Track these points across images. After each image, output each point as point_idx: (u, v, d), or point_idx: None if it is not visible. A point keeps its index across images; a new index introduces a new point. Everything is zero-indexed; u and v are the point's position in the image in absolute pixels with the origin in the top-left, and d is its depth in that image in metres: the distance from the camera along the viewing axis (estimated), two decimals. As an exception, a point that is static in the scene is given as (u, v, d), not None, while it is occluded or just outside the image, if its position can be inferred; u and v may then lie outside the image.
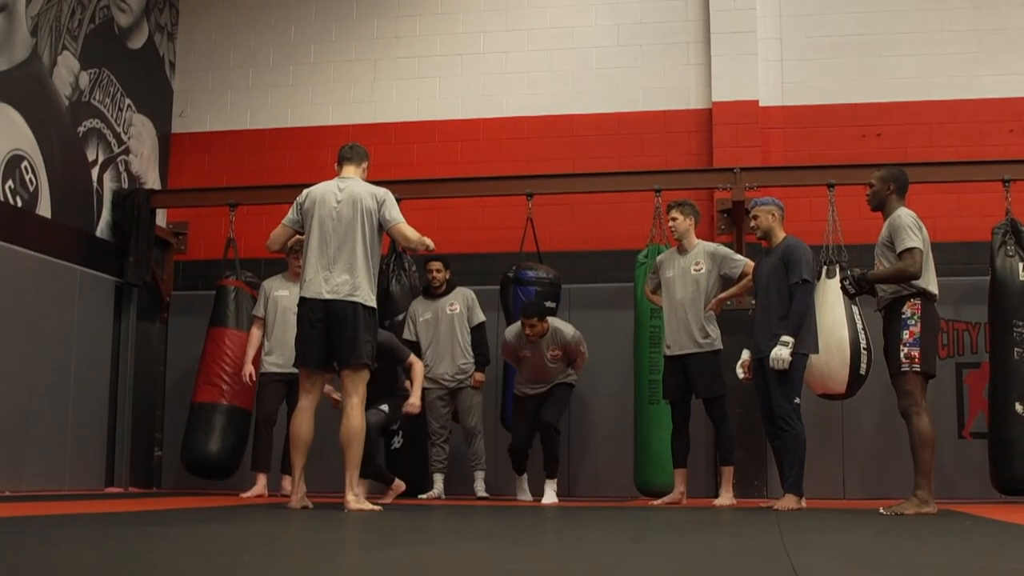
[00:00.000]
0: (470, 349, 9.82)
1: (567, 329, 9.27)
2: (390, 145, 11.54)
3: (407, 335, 9.72)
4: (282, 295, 9.68)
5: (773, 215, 8.20)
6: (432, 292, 9.84)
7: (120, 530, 4.68)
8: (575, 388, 9.61)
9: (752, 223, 8.27)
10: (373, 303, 7.15)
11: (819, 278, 8.60)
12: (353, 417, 6.99)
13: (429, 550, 3.85)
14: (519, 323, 9.19)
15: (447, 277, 9.83)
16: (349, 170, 7.45)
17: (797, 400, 7.93)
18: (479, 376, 9.83)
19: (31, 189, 9.81)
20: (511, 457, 9.44)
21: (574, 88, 11.47)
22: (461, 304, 9.79)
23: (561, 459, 9.75)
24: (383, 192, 7.37)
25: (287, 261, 9.71)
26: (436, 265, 9.88)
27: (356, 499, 6.96)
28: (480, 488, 9.68)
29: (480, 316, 9.84)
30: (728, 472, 8.86)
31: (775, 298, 8.02)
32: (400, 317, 9.82)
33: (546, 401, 9.28)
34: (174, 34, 12.30)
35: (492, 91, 11.63)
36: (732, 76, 11.04)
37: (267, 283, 9.93)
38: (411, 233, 7.25)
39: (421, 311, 9.84)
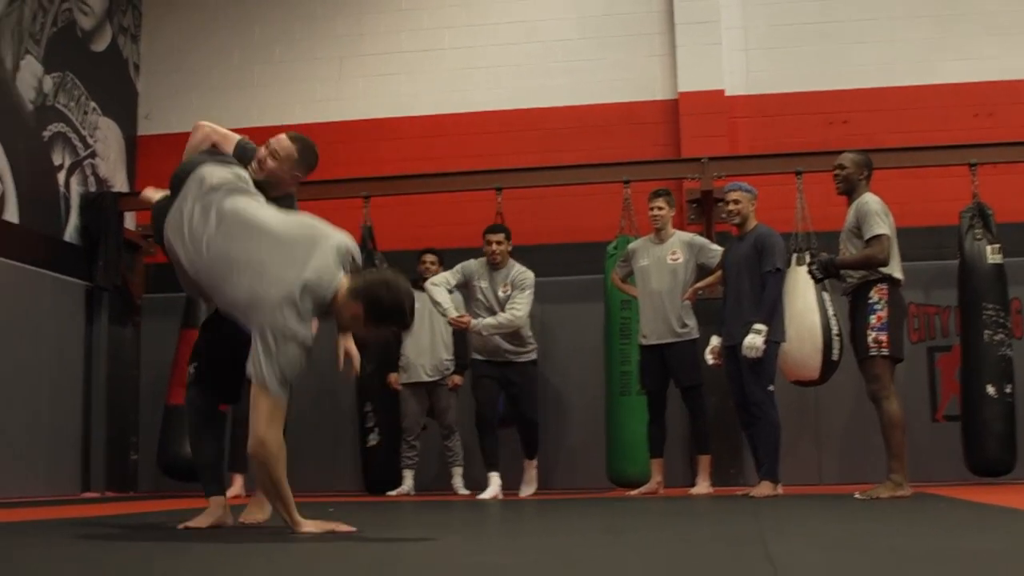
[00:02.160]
0: (451, 346, 9.79)
1: (526, 272, 9.09)
2: (358, 142, 11.52)
3: None
4: None
5: (752, 202, 8.25)
6: (422, 285, 9.72)
7: (97, 532, 4.67)
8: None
9: (731, 207, 8.28)
10: None
11: (788, 265, 8.63)
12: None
13: (404, 544, 3.85)
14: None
15: (439, 270, 9.71)
16: None
17: (771, 387, 7.98)
18: (457, 379, 9.80)
19: (-2, 195, 9.77)
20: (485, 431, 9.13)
21: (540, 82, 11.47)
22: None
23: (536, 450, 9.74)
24: None
25: None
26: (431, 258, 9.84)
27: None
28: (459, 484, 9.66)
29: None
30: (705, 461, 8.89)
31: (747, 285, 8.07)
32: None
33: (520, 393, 9.12)
34: (137, 36, 12.25)
35: (458, 86, 11.62)
36: (697, 66, 11.05)
37: None
38: None
39: None
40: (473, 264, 9.08)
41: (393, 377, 9.88)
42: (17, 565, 3.22)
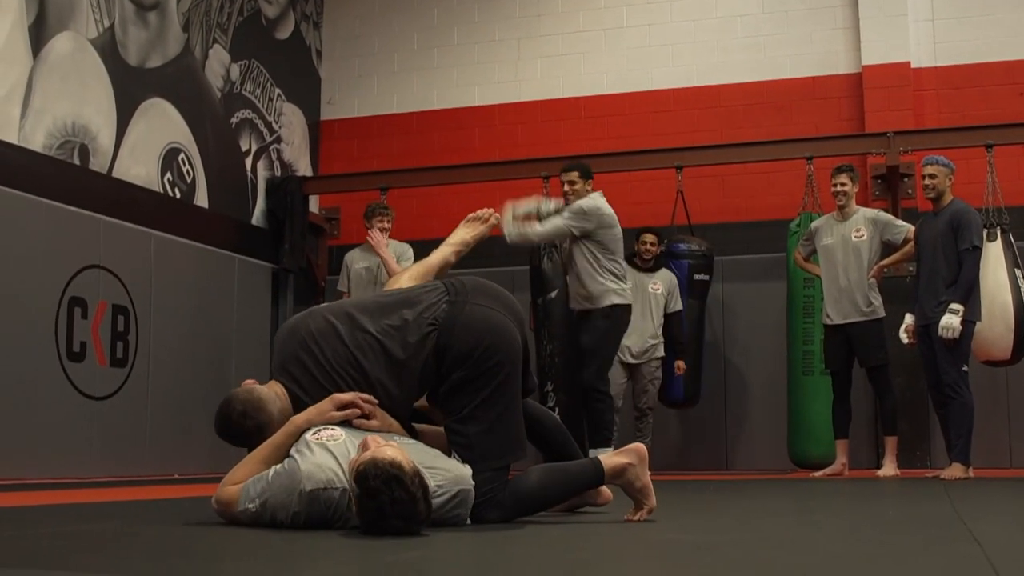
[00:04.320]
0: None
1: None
2: (536, 123, 11.56)
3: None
4: (362, 267, 9.54)
5: (949, 177, 8.04)
6: (638, 263, 9.66)
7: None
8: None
9: (927, 181, 8.08)
10: None
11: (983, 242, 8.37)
12: None
13: (596, 523, 3.86)
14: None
15: (658, 251, 9.70)
16: None
17: (965, 368, 7.78)
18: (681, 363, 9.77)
19: (188, 181, 10.06)
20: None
21: (720, 58, 11.32)
22: None
23: (713, 431, 9.67)
24: None
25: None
26: (651, 238, 9.75)
27: None
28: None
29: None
30: (892, 442, 8.72)
31: (943, 263, 7.87)
32: (552, 294, 9.64)
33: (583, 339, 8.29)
34: (319, 23, 12.47)
35: (636, 65, 11.53)
36: (881, 38, 10.78)
37: (348, 255, 9.79)
38: None
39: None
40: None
41: None
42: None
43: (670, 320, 9.67)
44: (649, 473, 3.83)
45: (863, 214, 8.86)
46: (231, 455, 3.89)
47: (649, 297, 9.57)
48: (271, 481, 3.57)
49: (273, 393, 3.83)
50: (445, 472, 3.58)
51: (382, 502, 3.19)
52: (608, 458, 3.87)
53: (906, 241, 8.61)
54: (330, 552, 2.97)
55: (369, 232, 8.94)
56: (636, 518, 3.80)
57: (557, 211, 8.09)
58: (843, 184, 8.83)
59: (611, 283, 8.00)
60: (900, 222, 8.86)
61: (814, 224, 9.16)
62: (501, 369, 3.83)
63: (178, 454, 9.52)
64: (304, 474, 3.47)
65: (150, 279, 9.32)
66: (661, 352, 9.64)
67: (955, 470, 7.76)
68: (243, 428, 3.80)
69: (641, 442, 9.07)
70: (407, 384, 3.89)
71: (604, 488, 4.11)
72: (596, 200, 8.20)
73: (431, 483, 3.40)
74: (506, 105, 11.66)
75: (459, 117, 11.85)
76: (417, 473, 3.29)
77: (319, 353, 3.85)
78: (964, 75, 10.69)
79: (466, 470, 3.69)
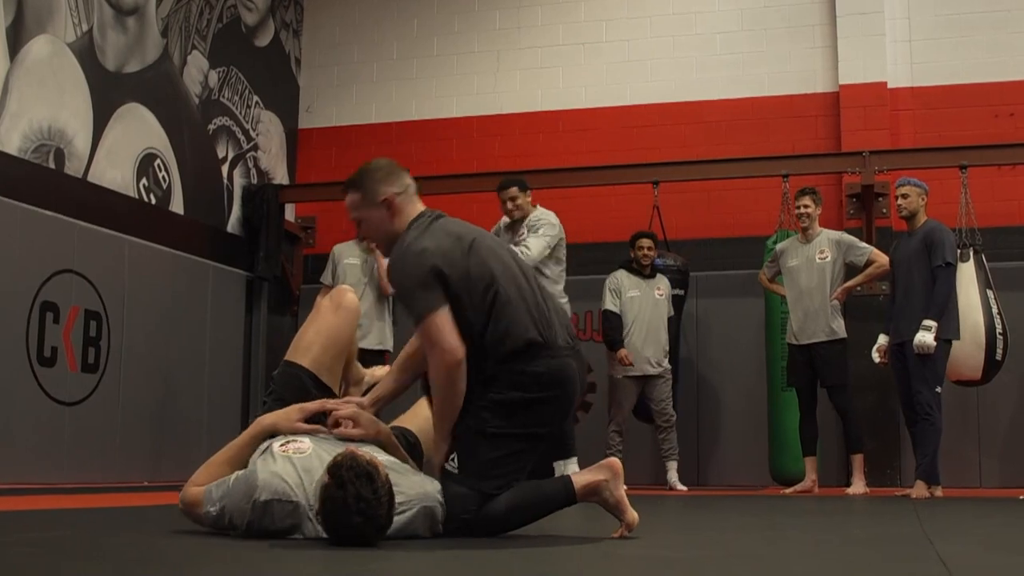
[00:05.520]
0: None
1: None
2: (514, 136, 11.57)
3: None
4: (352, 263, 9.14)
5: (922, 197, 8.08)
6: (636, 267, 9.58)
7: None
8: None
9: (899, 202, 8.13)
10: None
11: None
12: None
13: (572, 540, 3.85)
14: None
15: (655, 256, 9.55)
16: None
17: (939, 388, 7.80)
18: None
19: (164, 186, 10.03)
20: None
21: (698, 75, 11.34)
22: None
23: (690, 447, 9.67)
24: None
25: None
26: (647, 242, 9.52)
27: None
28: (674, 479, 9.44)
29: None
30: (858, 460, 8.75)
31: (917, 282, 7.92)
32: None
33: None
34: (299, 31, 12.46)
35: (616, 80, 11.55)
36: (859, 58, 10.83)
37: (338, 248, 9.36)
38: None
39: None
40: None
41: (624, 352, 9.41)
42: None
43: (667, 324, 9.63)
44: (624, 487, 3.78)
45: (827, 236, 8.92)
46: (202, 462, 3.88)
47: (657, 304, 9.45)
48: (231, 486, 3.58)
49: None
50: (408, 491, 3.55)
51: (348, 493, 3.19)
52: (580, 476, 3.80)
53: (869, 263, 8.71)
54: (289, 562, 2.95)
55: None
56: (617, 535, 3.74)
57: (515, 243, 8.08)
58: (806, 206, 8.89)
59: (564, 296, 8.20)
60: (863, 244, 8.94)
61: (779, 246, 9.21)
62: (550, 424, 3.88)
63: (149, 461, 9.48)
64: (261, 483, 3.47)
65: (123, 285, 9.27)
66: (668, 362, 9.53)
67: (919, 488, 7.79)
68: None
69: (668, 461, 8.79)
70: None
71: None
72: (548, 212, 8.34)
73: (396, 499, 3.40)
74: (484, 117, 11.66)
75: (437, 128, 11.84)
76: (388, 480, 3.30)
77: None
78: (940, 96, 10.74)
79: (433, 486, 3.67)
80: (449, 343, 3.71)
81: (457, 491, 3.66)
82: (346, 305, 4.26)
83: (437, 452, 3.83)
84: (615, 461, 3.78)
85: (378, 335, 8.98)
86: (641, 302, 9.41)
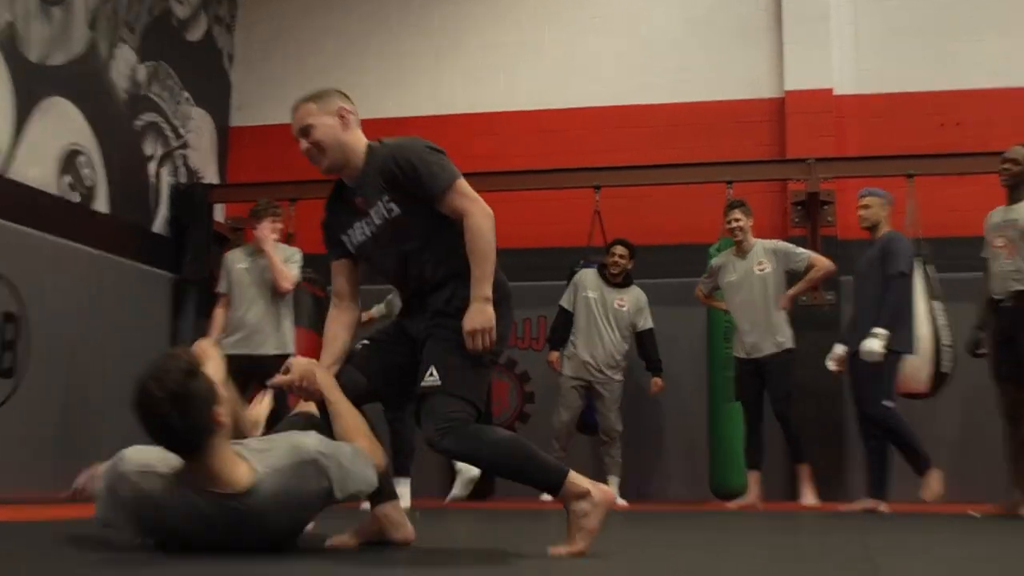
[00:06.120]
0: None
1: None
2: (453, 137, 11.28)
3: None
4: (241, 267, 8.75)
5: (884, 207, 8.01)
6: (605, 274, 9.49)
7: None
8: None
9: (861, 212, 8.08)
10: None
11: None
12: None
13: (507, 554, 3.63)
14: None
15: (630, 264, 9.49)
16: None
17: (888, 403, 7.67)
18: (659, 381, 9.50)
19: (88, 184, 9.70)
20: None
21: (642, 79, 11.21)
22: None
23: (629, 459, 9.48)
24: None
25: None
26: (621, 250, 9.46)
27: None
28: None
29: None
30: (805, 470, 8.66)
31: (872, 292, 7.82)
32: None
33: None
34: (232, 26, 12.18)
35: (558, 81, 11.41)
36: (805, 64, 10.76)
37: (228, 255, 9.03)
38: None
39: None
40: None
41: (555, 356, 9.38)
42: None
43: (642, 339, 9.41)
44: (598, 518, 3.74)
45: (762, 246, 8.82)
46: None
47: (611, 312, 9.28)
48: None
49: None
50: (277, 439, 3.60)
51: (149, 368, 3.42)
52: (577, 475, 3.81)
53: (809, 267, 8.60)
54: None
55: (258, 227, 8.58)
56: (556, 552, 3.66)
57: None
58: (737, 220, 8.77)
59: None
60: (800, 249, 8.84)
61: (714, 261, 9.09)
62: (503, 342, 4.02)
63: (67, 472, 9.08)
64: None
65: (44, 286, 8.91)
66: (621, 376, 9.35)
67: (867, 503, 7.81)
68: None
69: (609, 475, 8.74)
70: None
71: (409, 526, 4.02)
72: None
73: (260, 467, 3.43)
74: (422, 118, 11.42)
75: (374, 128, 11.32)
76: (208, 382, 3.42)
77: None
78: (886, 104, 10.69)
79: (307, 439, 3.61)
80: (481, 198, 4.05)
81: (447, 400, 3.76)
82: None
83: (483, 290, 3.92)
84: (610, 493, 3.84)
85: (276, 341, 8.62)
86: (595, 305, 9.23)
